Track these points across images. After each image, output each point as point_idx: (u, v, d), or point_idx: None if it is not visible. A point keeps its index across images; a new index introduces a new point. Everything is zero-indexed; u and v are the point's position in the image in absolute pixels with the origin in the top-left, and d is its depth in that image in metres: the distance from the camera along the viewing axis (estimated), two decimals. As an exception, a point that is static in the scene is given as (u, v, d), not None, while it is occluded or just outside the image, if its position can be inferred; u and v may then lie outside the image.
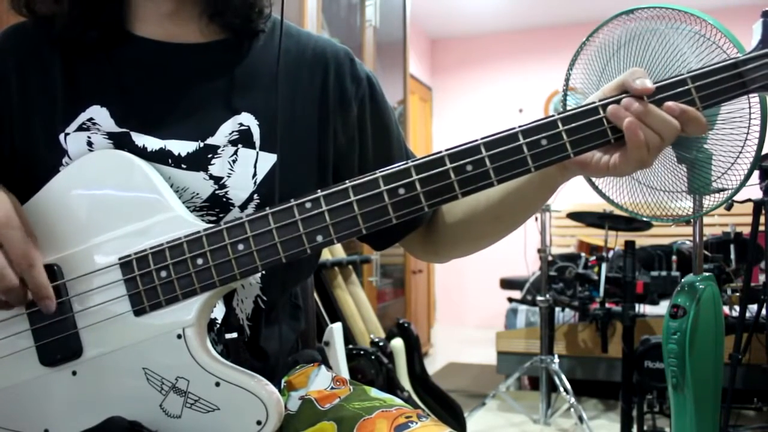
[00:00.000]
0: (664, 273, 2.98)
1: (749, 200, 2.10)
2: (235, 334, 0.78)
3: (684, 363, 1.70)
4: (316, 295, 1.83)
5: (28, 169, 0.77)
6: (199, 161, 0.77)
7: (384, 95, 0.90)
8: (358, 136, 0.86)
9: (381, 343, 2.36)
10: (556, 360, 2.97)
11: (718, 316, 1.72)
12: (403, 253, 4.02)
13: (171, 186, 0.75)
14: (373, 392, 0.84)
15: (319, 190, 0.69)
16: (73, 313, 0.71)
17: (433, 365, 4.26)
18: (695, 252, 1.85)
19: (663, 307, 2.63)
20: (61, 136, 0.77)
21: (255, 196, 0.78)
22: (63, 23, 0.78)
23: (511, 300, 3.93)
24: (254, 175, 0.78)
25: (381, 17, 3.69)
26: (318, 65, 0.85)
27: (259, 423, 0.68)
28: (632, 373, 2.36)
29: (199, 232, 0.70)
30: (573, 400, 2.77)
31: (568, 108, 0.69)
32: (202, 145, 0.77)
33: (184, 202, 0.75)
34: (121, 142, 0.77)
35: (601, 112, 0.68)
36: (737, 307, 2.30)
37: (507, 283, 4.76)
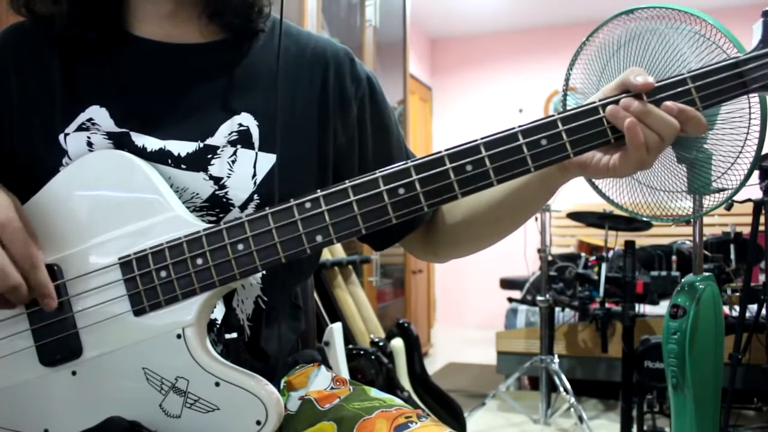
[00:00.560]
0: (664, 273, 2.98)
1: (749, 200, 2.10)
2: (234, 335, 0.78)
3: (684, 363, 1.70)
4: (316, 295, 1.83)
5: (28, 169, 0.77)
6: (198, 161, 0.77)
7: (384, 95, 0.90)
8: (358, 136, 0.86)
9: (381, 343, 2.36)
10: (556, 360, 2.97)
11: (718, 316, 1.72)
12: (403, 253, 4.02)
13: (171, 186, 0.75)
14: (373, 392, 0.84)
15: (318, 190, 0.69)
16: (72, 313, 0.71)
17: (433, 365, 4.26)
18: (695, 252, 1.85)
19: (663, 307, 2.63)
20: (61, 137, 0.77)
21: (255, 197, 0.78)
22: (62, 23, 0.78)
23: (511, 300, 3.93)
24: (254, 175, 0.78)
25: (381, 17, 3.69)
26: (318, 65, 0.85)
27: (258, 423, 0.68)
28: (632, 373, 2.36)
29: (198, 232, 0.70)
30: (573, 400, 2.77)
31: (568, 108, 0.69)
32: (201, 145, 0.77)
33: (184, 203, 0.75)
34: (120, 142, 0.77)
35: (601, 111, 0.68)
36: (737, 307, 2.30)
37: (507, 283, 4.76)
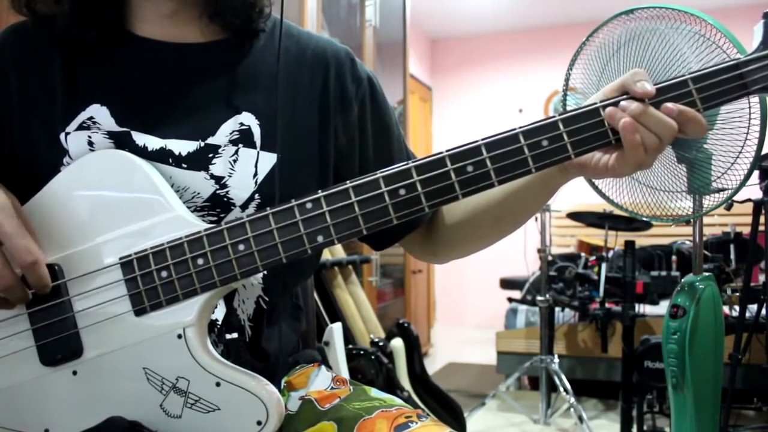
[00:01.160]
0: (664, 273, 2.98)
1: (749, 200, 2.10)
2: (235, 335, 0.78)
3: (684, 363, 1.70)
4: (316, 295, 1.83)
5: (29, 169, 0.77)
6: (199, 161, 0.77)
7: (384, 95, 0.90)
8: (358, 136, 0.86)
9: (381, 343, 2.36)
10: (556, 360, 2.98)
11: (718, 316, 1.72)
12: (403, 253, 4.02)
13: (172, 186, 0.75)
14: (373, 392, 0.84)
15: (319, 191, 0.69)
16: (73, 312, 0.71)
17: (433, 365, 4.26)
18: (695, 252, 1.85)
19: (663, 307, 2.63)
20: (62, 136, 0.77)
21: (256, 196, 0.78)
22: (63, 23, 0.78)
23: (511, 300, 3.93)
24: (255, 174, 0.78)
25: (381, 17, 3.69)
26: (318, 65, 0.85)
27: (259, 423, 0.68)
28: (632, 373, 2.36)
29: (199, 232, 0.70)
30: (573, 400, 2.77)
31: (568, 108, 0.69)
32: (202, 144, 0.77)
33: (184, 202, 0.75)
34: (121, 141, 0.77)
35: (602, 113, 0.68)
36: (737, 307, 2.30)
37: (507, 283, 4.76)
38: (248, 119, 0.79)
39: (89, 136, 0.76)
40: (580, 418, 2.72)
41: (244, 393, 0.69)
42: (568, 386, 2.83)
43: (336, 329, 2.00)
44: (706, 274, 1.80)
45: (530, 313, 3.68)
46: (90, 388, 0.71)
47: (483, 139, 0.68)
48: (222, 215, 0.77)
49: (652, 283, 2.94)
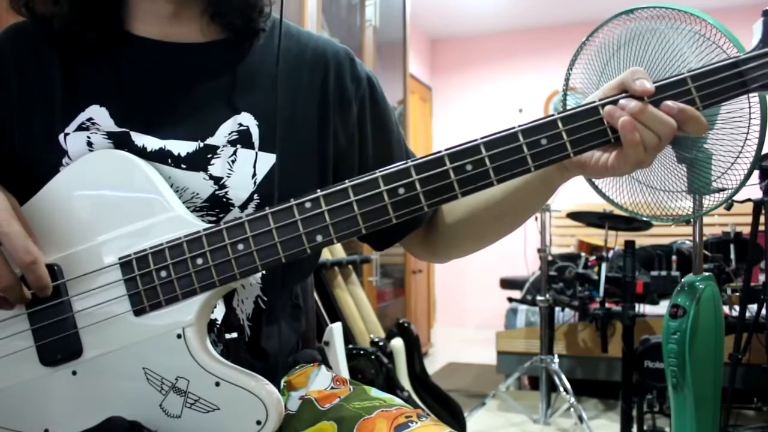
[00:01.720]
0: (664, 273, 2.98)
1: (749, 200, 2.10)
2: (235, 335, 0.78)
3: (684, 363, 1.70)
4: (316, 295, 1.83)
5: (28, 169, 0.77)
6: (198, 161, 0.77)
7: (384, 95, 0.90)
8: (358, 136, 0.86)
9: (381, 343, 2.36)
10: (556, 360, 2.98)
11: (718, 316, 1.72)
12: (403, 253, 4.02)
13: (171, 186, 0.75)
14: (373, 392, 0.84)
15: (318, 190, 0.69)
16: (73, 312, 0.71)
17: (433, 365, 4.26)
18: (695, 252, 1.85)
19: (663, 307, 2.63)
20: (61, 136, 0.76)
21: (255, 196, 0.78)
22: (62, 23, 0.78)
23: (511, 300, 3.93)
24: (254, 175, 0.78)
25: (381, 17, 3.69)
26: (318, 65, 0.85)
27: (258, 423, 0.68)
28: (632, 373, 2.36)
29: (198, 232, 0.70)
30: (573, 399, 2.77)
31: (568, 108, 0.69)
32: (201, 145, 0.77)
33: (184, 203, 0.75)
34: (120, 141, 0.77)
35: (601, 111, 0.68)
36: (737, 307, 2.30)
37: (507, 283, 4.76)
38: (247, 120, 0.79)
39: (88, 137, 0.76)
40: (580, 418, 2.72)
41: (243, 393, 0.69)
42: (568, 386, 2.83)
43: (336, 329, 2.00)
44: (706, 274, 1.80)
45: (530, 313, 3.68)
46: (89, 388, 0.71)
47: (482, 138, 0.68)
48: (221, 216, 0.77)
49: (652, 283, 2.94)
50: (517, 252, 3.76)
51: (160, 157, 0.76)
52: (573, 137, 0.68)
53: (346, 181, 0.69)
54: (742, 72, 0.65)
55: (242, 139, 0.78)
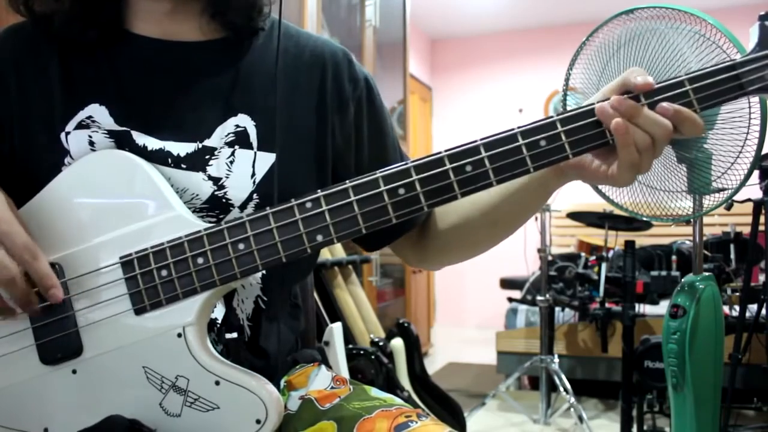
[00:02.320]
0: (664, 273, 2.98)
1: (749, 200, 2.10)
2: (235, 334, 0.78)
3: (684, 363, 1.70)
4: (316, 295, 1.83)
5: (30, 169, 0.77)
6: (197, 162, 0.77)
7: (381, 97, 0.90)
8: (354, 136, 0.86)
9: (381, 343, 2.36)
10: (556, 360, 2.98)
11: (718, 316, 1.72)
12: (403, 253, 4.01)
13: (171, 186, 0.75)
14: (373, 392, 0.84)
15: (319, 190, 0.69)
16: (73, 311, 0.71)
17: (433, 365, 4.26)
18: (695, 252, 1.85)
19: (663, 307, 2.63)
20: (62, 135, 0.77)
21: (254, 196, 0.78)
22: (62, 21, 0.77)
23: (511, 300, 3.93)
24: (253, 174, 0.78)
25: (381, 17, 3.69)
26: (316, 65, 0.85)
27: (258, 422, 0.68)
28: (632, 373, 2.36)
29: (199, 231, 0.70)
30: (573, 399, 2.77)
31: (568, 108, 0.69)
32: (200, 146, 0.77)
33: (184, 203, 0.75)
34: (121, 140, 0.77)
35: None
36: (737, 307, 2.30)
37: (507, 283, 4.76)
38: (244, 121, 0.79)
39: (90, 136, 0.76)
40: (580, 418, 2.72)
41: (243, 392, 0.69)
42: (568, 386, 2.83)
43: (336, 329, 2.00)
44: (706, 274, 1.80)
45: (530, 313, 3.68)
46: (89, 387, 0.71)
47: (481, 139, 0.68)
48: (221, 217, 0.77)
49: (652, 283, 2.94)
50: (517, 252, 3.76)
51: (160, 157, 0.76)
52: (572, 138, 0.68)
53: (347, 181, 0.69)
54: (738, 75, 0.65)
55: (240, 140, 0.79)
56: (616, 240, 3.18)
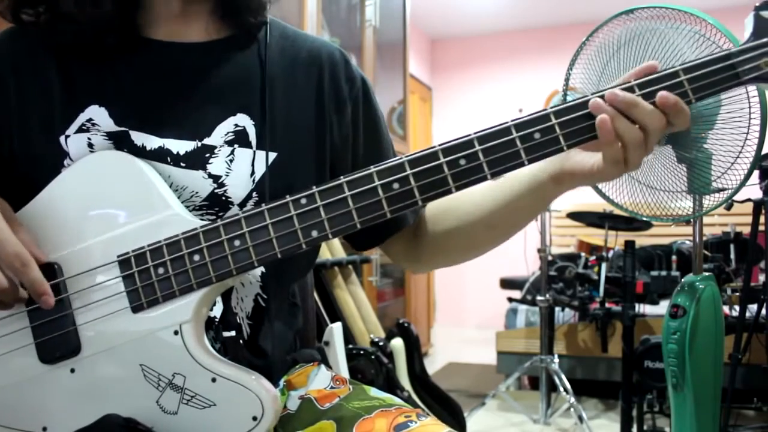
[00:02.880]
0: (664, 273, 2.98)
1: (749, 200, 2.10)
2: (233, 333, 0.78)
3: (684, 363, 1.70)
4: (316, 295, 1.83)
5: (30, 172, 0.77)
6: (197, 160, 0.77)
7: (376, 99, 0.90)
8: (351, 136, 0.87)
9: (381, 343, 2.36)
10: (556, 360, 2.97)
11: (718, 316, 1.72)
12: (403, 253, 4.00)
13: (170, 185, 0.76)
14: (373, 392, 0.84)
15: (314, 186, 0.69)
16: (72, 310, 0.72)
17: (433, 365, 4.25)
18: (695, 252, 1.85)
19: (663, 307, 2.63)
20: (62, 138, 0.77)
21: (254, 194, 0.78)
22: (80, 29, 0.77)
23: (511, 300, 3.93)
24: (252, 173, 0.79)
25: (381, 17, 3.69)
26: (313, 65, 0.85)
27: (255, 419, 0.68)
28: (632, 373, 2.36)
29: (196, 229, 0.70)
30: (573, 399, 2.77)
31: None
32: (199, 144, 0.78)
33: (183, 201, 0.75)
34: (120, 141, 0.77)
35: None
36: (737, 307, 2.30)
37: (507, 283, 4.75)
38: (243, 120, 0.80)
39: (89, 138, 0.77)
40: (580, 418, 2.72)
41: (239, 389, 0.69)
42: (568, 386, 2.83)
43: (336, 329, 2.00)
44: (706, 274, 1.80)
45: (530, 313, 3.68)
46: (87, 385, 0.71)
47: (475, 133, 0.68)
48: (221, 214, 0.77)
49: (652, 283, 2.94)
50: (517, 252, 3.75)
51: (159, 155, 0.76)
52: (566, 130, 0.67)
53: (341, 176, 0.69)
54: (734, 64, 0.65)
55: (239, 139, 0.79)
56: (616, 240, 3.18)
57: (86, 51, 0.79)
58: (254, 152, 0.79)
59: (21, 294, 0.69)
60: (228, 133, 0.79)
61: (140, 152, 0.76)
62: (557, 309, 3.23)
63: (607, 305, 2.95)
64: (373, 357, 2.21)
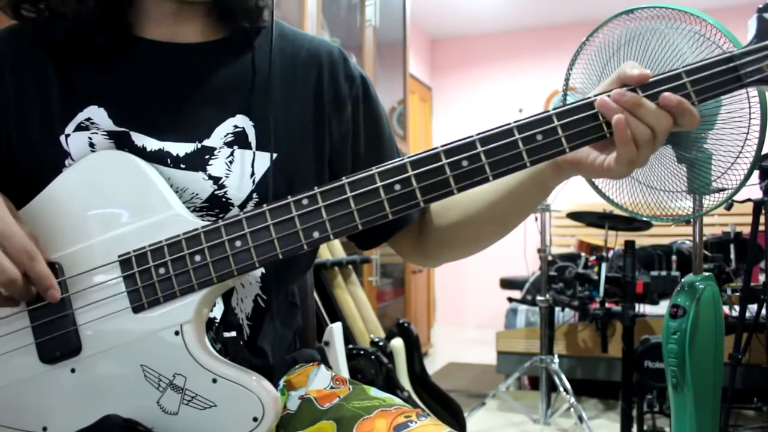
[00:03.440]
0: (664, 273, 2.98)
1: (749, 200, 2.10)
2: (233, 333, 0.78)
3: (684, 363, 1.70)
4: (316, 295, 1.83)
5: (30, 171, 0.77)
6: (197, 162, 0.77)
7: (377, 95, 0.90)
8: (351, 135, 0.87)
9: (381, 343, 2.36)
10: (556, 360, 2.97)
11: (718, 316, 1.71)
12: (403, 252, 4.00)
13: (171, 186, 0.75)
14: (373, 392, 0.84)
15: (315, 187, 0.69)
16: (72, 310, 0.72)
17: (433, 365, 4.25)
18: (695, 252, 1.84)
19: (663, 307, 2.63)
20: (62, 138, 0.77)
21: (254, 196, 0.78)
22: (71, 25, 0.77)
23: (511, 300, 3.93)
24: (252, 174, 0.79)
25: (381, 17, 3.69)
26: (312, 65, 0.85)
27: (255, 419, 0.68)
28: (632, 373, 2.36)
29: (197, 229, 0.70)
30: (573, 399, 2.77)
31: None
32: (199, 146, 0.78)
33: (184, 203, 0.75)
34: (121, 141, 0.77)
35: (596, 106, 0.68)
36: (737, 307, 2.30)
37: (507, 283, 4.75)
38: (242, 121, 0.79)
39: (89, 137, 0.77)
40: (580, 418, 2.72)
41: (240, 389, 0.69)
42: (568, 386, 2.83)
43: (336, 329, 2.00)
44: (706, 274, 1.79)
45: (530, 313, 3.68)
46: (88, 385, 0.71)
47: (477, 134, 0.68)
48: (221, 215, 0.77)
49: (652, 283, 2.94)
50: (517, 252, 3.75)
51: (159, 157, 0.76)
52: (568, 132, 0.67)
53: (343, 177, 0.69)
54: (737, 66, 0.65)
55: (238, 140, 0.79)
56: (616, 240, 3.18)
57: (80, 49, 0.79)
58: (254, 153, 0.79)
59: (30, 289, 0.69)
60: (227, 134, 0.79)
61: (140, 153, 0.76)
62: (557, 309, 3.23)
63: (607, 305, 2.95)
64: (373, 357, 2.21)
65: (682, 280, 1.81)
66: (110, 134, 0.77)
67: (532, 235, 3.33)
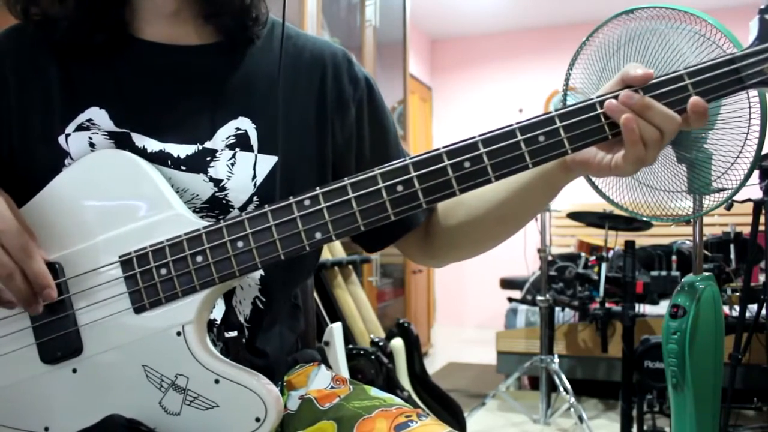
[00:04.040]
0: (664, 273, 2.98)
1: (749, 200, 2.10)
2: (235, 333, 0.78)
3: (684, 363, 1.70)
4: (316, 295, 1.83)
5: (29, 171, 0.77)
6: (198, 164, 0.77)
7: (382, 97, 0.90)
8: (355, 137, 0.86)
9: (381, 343, 2.36)
10: (556, 360, 2.97)
11: (718, 316, 1.72)
12: (403, 252, 4.00)
13: (171, 187, 0.75)
14: (373, 392, 0.84)
15: (317, 188, 0.69)
16: (73, 310, 0.72)
17: (433, 365, 4.25)
18: (695, 252, 1.84)
19: (663, 307, 2.63)
20: (62, 138, 0.76)
21: (255, 198, 0.78)
22: (67, 25, 0.77)
23: (511, 300, 3.93)
24: (254, 177, 0.78)
25: (381, 17, 3.69)
26: (316, 67, 0.85)
27: (257, 420, 0.68)
28: (632, 373, 2.36)
29: (198, 229, 0.70)
30: (573, 399, 2.77)
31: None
32: (200, 148, 0.77)
33: (184, 203, 0.75)
34: (121, 142, 0.77)
35: (599, 108, 0.67)
36: (737, 307, 2.30)
37: (507, 283, 4.75)
38: (244, 124, 0.79)
39: (90, 138, 0.77)
40: (580, 418, 2.72)
41: (242, 390, 0.69)
42: (568, 386, 2.83)
43: (336, 329, 2.00)
44: (706, 274, 1.79)
45: (530, 313, 3.68)
46: (89, 385, 0.71)
47: (479, 135, 0.68)
48: (221, 217, 0.77)
49: (652, 283, 2.94)
50: (517, 252, 3.75)
51: (160, 158, 0.76)
52: (571, 134, 0.68)
53: (345, 178, 0.69)
54: (738, 68, 0.65)
55: (240, 142, 0.79)
56: (616, 240, 3.18)
57: (80, 49, 0.79)
58: (256, 156, 0.79)
59: (28, 288, 0.68)
60: (229, 136, 0.79)
61: (141, 154, 0.76)
62: (557, 309, 3.23)
63: (607, 305, 2.95)
64: (373, 357, 2.21)
65: (682, 280, 1.81)
66: (111, 135, 0.77)
67: (532, 235, 3.32)
